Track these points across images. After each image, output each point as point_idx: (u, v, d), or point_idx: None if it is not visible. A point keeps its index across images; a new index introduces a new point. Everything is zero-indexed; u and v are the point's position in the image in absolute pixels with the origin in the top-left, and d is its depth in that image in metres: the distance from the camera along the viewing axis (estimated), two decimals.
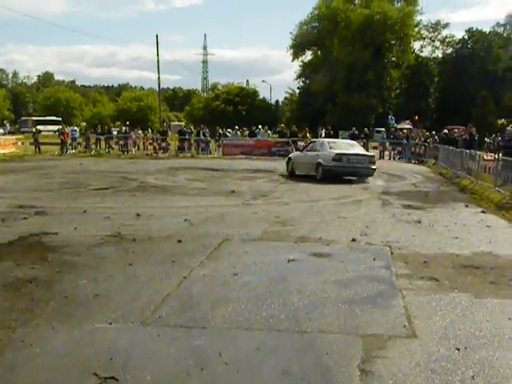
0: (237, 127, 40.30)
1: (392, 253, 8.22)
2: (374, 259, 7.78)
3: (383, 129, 46.34)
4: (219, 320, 5.30)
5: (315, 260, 7.79)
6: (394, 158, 33.25)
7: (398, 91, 75.01)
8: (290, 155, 22.91)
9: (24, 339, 4.82)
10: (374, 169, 19.95)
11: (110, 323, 5.18)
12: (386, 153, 34.28)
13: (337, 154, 19.30)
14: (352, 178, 19.67)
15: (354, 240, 9.04)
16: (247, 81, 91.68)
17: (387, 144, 34.84)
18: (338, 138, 42.88)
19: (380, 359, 4.49)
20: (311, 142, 23.37)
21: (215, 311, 5.52)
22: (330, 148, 20.13)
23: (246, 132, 38.26)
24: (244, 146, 33.65)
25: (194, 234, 9.39)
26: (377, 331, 5.09)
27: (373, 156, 21.54)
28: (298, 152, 22.84)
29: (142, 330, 5.07)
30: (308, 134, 36.14)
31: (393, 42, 72.59)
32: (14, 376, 4.20)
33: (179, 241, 8.73)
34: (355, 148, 21.25)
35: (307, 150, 21.57)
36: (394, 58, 74.36)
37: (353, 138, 36.16)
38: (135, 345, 4.74)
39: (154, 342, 4.80)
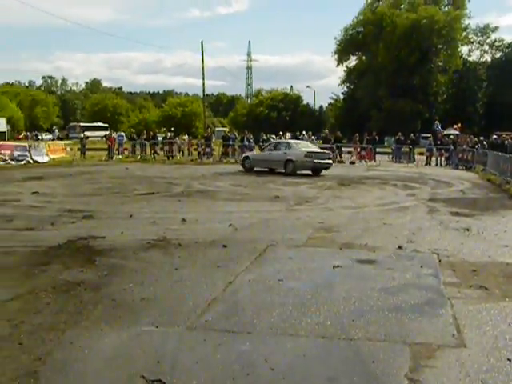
0: (281, 133, 40.32)
1: (440, 260, 8.07)
2: (422, 267, 7.65)
3: (430, 135, 45.58)
4: (265, 325, 5.29)
5: (361, 267, 7.71)
6: (440, 164, 32.69)
7: (444, 96, 73.85)
8: (248, 155, 27.19)
9: (73, 341, 4.90)
10: (331, 163, 25.05)
11: (157, 326, 5.23)
12: (433, 159, 33.71)
13: (308, 152, 23.88)
14: (309, 172, 24.04)
15: (400, 247, 8.91)
16: (291, 86, 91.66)
17: (434, 150, 34.27)
18: (383, 144, 42.57)
19: (428, 368, 4.41)
20: (270, 143, 27.50)
21: (261, 316, 5.52)
22: (299, 147, 24.62)
23: (289, 138, 38.21)
24: None
25: (239, 239, 9.42)
26: (425, 340, 5.00)
27: (330, 153, 26.47)
28: (257, 152, 27.50)
29: (188, 334, 5.10)
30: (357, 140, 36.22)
31: (440, 46, 71.56)
32: (63, 377, 4.27)
33: (224, 246, 8.76)
34: (314, 147, 26.57)
35: (270, 150, 25.54)
36: (440, 63, 73.28)
37: (399, 143, 35.82)
38: (182, 348, 4.78)
39: (201, 346, 4.82)
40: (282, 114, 77.20)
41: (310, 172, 23.92)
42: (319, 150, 25.27)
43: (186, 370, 4.37)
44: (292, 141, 28.45)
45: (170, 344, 4.86)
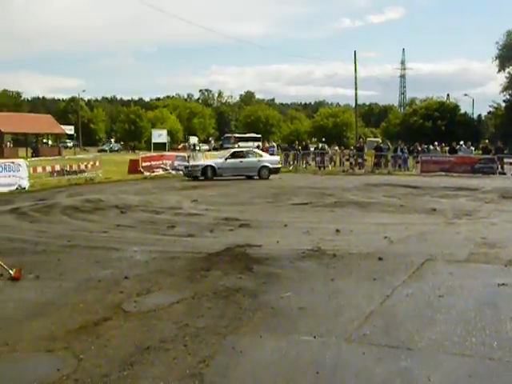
0: (436, 143, 38.98)
1: None
2: None
3: None
4: (426, 342, 5.10)
5: None
6: None
7: None
8: (210, 163, 27.49)
9: (234, 346, 5.05)
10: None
11: (315, 337, 5.24)
12: None
13: (277, 159, 30.01)
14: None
15: None
16: (447, 95, 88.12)
17: None
18: None
19: None
20: (236, 152, 29.03)
21: (421, 333, 5.33)
22: (266, 155, 29.61)
23: (446, 148, 36.83)
24: (444, 163, 32.29)
25: (395, 251, 9.19)
26: None
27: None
28: (221, 160, 27.58)
29: (346, 347, 5.05)
30: None
31: None
32: (226, 381, 4.40)
33: (380, 258, 8.59)
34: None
35: (240, 157, 27.34)
36: None
37: None
38: (340, 361, 4.73)
39: (359, 359, 4.75)
40: (438, 123, 74.50)
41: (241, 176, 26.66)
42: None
43: (345, 382, 4.33)
44: (255, 150, 31.55)
45: (329, 355, 4.84)
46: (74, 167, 26.69)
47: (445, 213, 14.15)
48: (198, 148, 76.68)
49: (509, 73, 73.91)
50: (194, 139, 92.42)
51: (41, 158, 35.63)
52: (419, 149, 36.46)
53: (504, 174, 31.14)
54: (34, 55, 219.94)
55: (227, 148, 67.28)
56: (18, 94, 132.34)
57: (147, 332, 5.42)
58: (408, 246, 9.82)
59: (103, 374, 4.49)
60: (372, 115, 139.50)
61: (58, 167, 26.08)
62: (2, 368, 4.73)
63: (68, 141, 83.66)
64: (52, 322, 5.77)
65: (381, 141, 51.59)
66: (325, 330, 5.41)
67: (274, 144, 45.22)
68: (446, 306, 6.22)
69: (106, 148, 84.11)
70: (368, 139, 73.17)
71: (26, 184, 22.12)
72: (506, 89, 75.56)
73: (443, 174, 30.58)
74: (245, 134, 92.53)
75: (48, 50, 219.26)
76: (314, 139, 69.66)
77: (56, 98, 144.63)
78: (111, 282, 7.31)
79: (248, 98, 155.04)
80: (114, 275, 7.70)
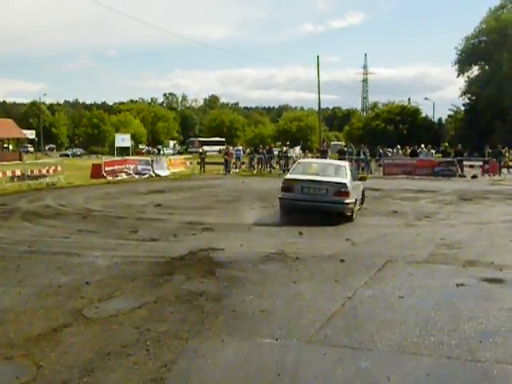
0: (398, 146, 39.52)
1: None
2: None
3: None
4: (385, 343, 5.17)
5: (487, 285, 7.36)
6: None
7: None
8: None
9: (196, 350, 5.04)
10: None
11: (277, 339, 5.26)
12: None
13: None
14: None
15: None
16: (409, 99, 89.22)
17: None
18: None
19: None
20: None
21: (381, 333, 5.40)
22: None
23: (408, 151, 37.37)
24: (406, 166, 32.80)
25: (357, 253, 9.30)
26: None
27: None
28: None
29: (307, 348, 5.08)
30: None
31: None
32: None
33: (342, 260, 8.68)
34: None
35: None
36: None
37: None
38: (301, 362, 4.77)
39: (320, 360, 4.80)
40: (400, 127, 75.38)
41: None
42: None
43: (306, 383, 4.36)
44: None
45: (290, 357, 4.87)
46: (35, 172, 26.28)
47: (405, 215, 14.37)
48: (162, 152, 76.23)
49: (468, 77, 75.29)
50: (172, 143, 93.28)
51: (1, 162, 34.98)
52: (381, 152, 36.92)
53: (464, 176, 31.80)
54: None
55: (192, 152, 67.08)
56: None
57: (108, 338, 5.36)
58: (370, 247, 9.94)
59: (63, 380, 4.43)
60: (335, 119, 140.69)
61: (18, 172, 25.63)
62: None
63: (29, 145, 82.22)
64: (11, 329, 5.67)
65: (344, 144, 52.01)
66: (286, 333, 5.44)
67: (241, 148, 45.33)
68: (405, 307, 6.32)
69: (69, 153, 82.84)
70: (332, 143, 73.78)
71: None
72: (464, 93, 76.90)
73: (405, 176, 31.04)
74: (209, 137, 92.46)
75: (8, 53, 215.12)
76: (278, 143, 69.94)
77: (17, 102, 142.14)
78: (72, 288, 7.21)
79: (212, 101, 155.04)
80: (75, 281, 7.59)
